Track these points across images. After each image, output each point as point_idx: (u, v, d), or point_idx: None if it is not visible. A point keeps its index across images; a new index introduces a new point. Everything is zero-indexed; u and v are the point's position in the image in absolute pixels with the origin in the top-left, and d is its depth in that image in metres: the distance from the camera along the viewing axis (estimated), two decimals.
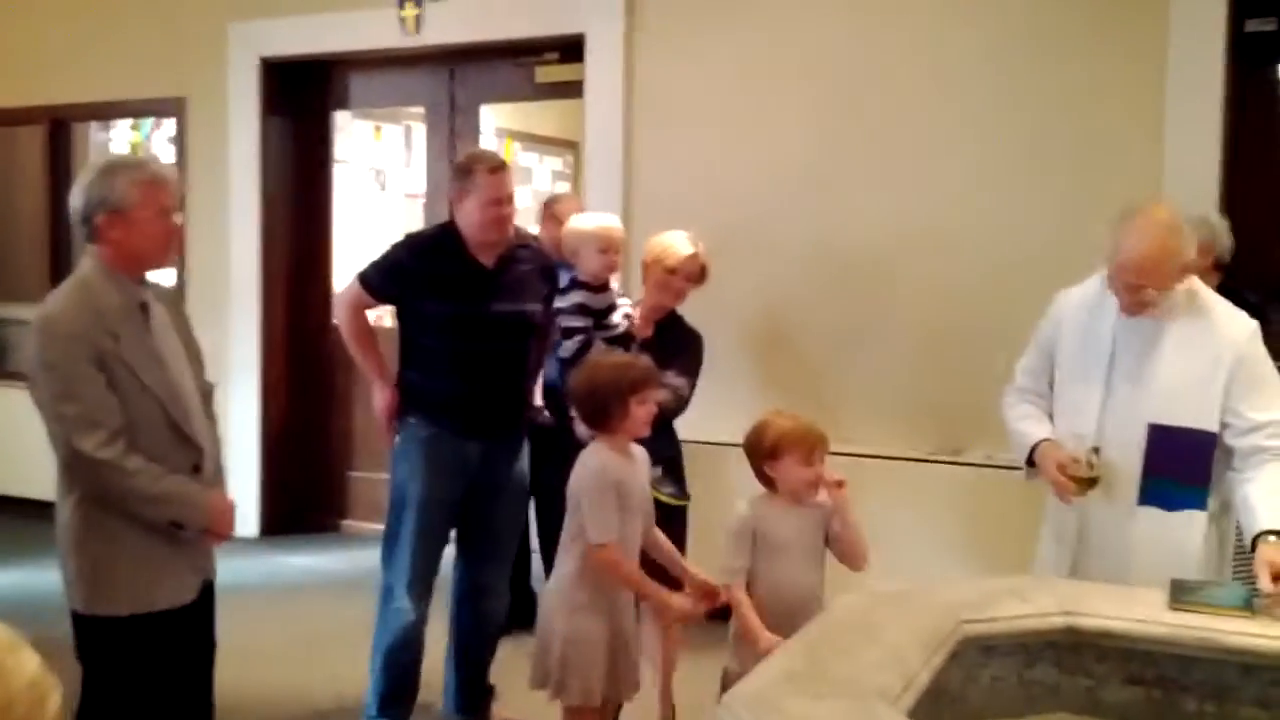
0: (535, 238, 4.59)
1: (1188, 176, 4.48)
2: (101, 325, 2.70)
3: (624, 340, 3.93)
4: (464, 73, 6.30)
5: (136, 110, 7.14)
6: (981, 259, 4.82)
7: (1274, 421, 2.81)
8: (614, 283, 4.03)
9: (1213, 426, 2.85)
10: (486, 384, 3.73)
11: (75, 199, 2.80)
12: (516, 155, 8.51)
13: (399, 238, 3.93)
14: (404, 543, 3.73)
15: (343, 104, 6.79)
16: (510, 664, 4.03)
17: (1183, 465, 2.86)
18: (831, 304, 5.09)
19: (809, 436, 2.92)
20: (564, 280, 4.20)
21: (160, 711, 2.86)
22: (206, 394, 3.02)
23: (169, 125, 7.06)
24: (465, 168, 3.73)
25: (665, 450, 3.80)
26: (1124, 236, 2.87)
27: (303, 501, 6.68)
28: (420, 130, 7.13)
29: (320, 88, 6.70)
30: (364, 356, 3.89)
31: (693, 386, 3.88)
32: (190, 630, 2.92)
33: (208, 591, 2.99)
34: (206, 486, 2.90)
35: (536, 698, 3.16)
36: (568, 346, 3.95)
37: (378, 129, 7.56)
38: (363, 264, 3.87)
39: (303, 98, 6.68)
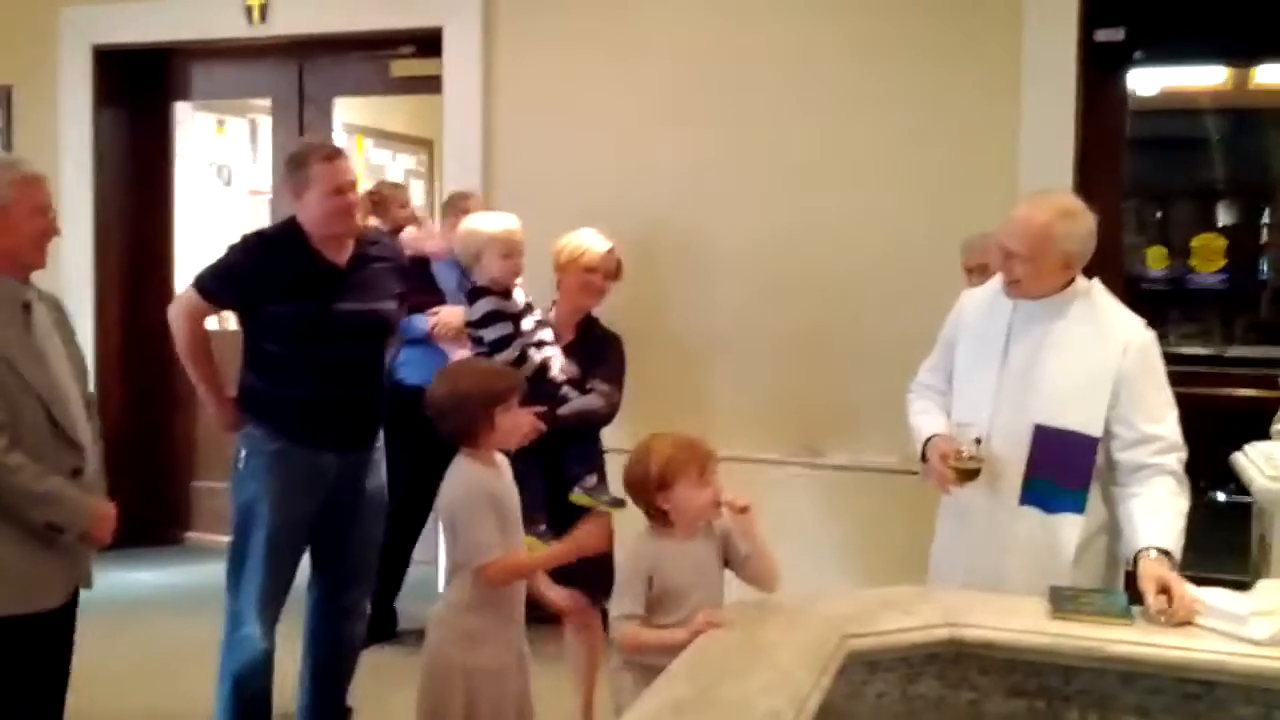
0: (385, 232, 4.41)
1: (1043, 178, 4.54)
2: None
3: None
4: (314, 65, 6.03)
5: None
6: (842, 258, 4.79)
7: (1161, 437, 2.78)
8: (519, 289, 3.72)
9: (1096, 432, 2.81)
10: (338, 390, 3.50)
11: None
12: (369, 152, 8.26)
13: (237, 239, 3.62)
14: (252, 567, 3.49)
15: (183, 95, 6.44)
16: (368, 681, 3.89)
17: (1064, 468, 2.82)
18: (696, 302, 5.02)
19: (697, 453, 2.66)
20: (450, 281, 4.00)
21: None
22: (89, 402, 3.01)
23: None
24: (299, 160, 3.51)
25: (597, 458, 3.64)
26: (1022, 200, 2.91)
27: (143, 513, 6.26)
28: (267, 124, 6.85)
29: (158, 78, 6.34)
30: (196, 368, 3.57)
31: (621, 391, 3.68)
32: (55, 636, 2.90)
33: (73, 599, 2.96)
34: (87, 491, 2.89)
35: (396, 716, 3.00)
36: (501, 360, 3.55)
37: (220, 123, 7.23)
38: (201, 267, 3.60)
39: (140, 88, 6.31)
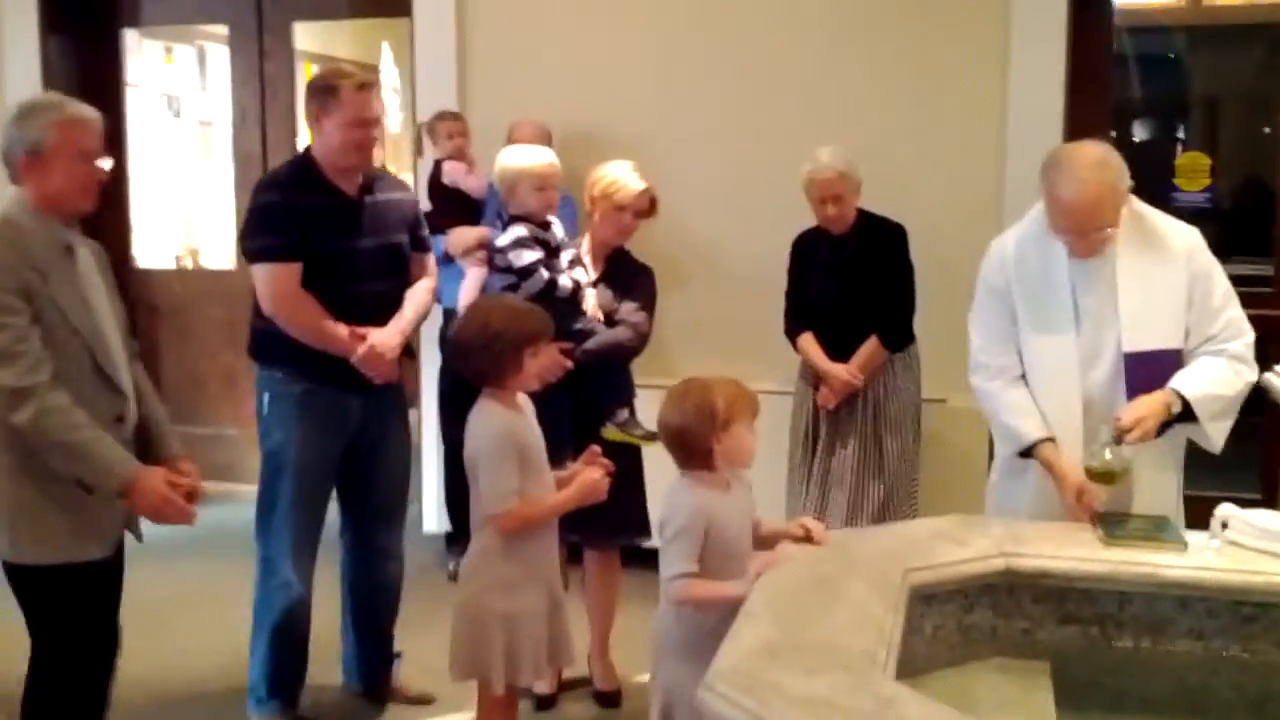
0: (389, 172, 4.30)
1: (1033, 112, 4.56)
2: (28, 261, 2.65)
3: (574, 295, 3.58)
4: None
5: None
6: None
7: (1228, 324, 2.84)
8: (556, 223, 3.66)
9: (1178, 343, 2.83)
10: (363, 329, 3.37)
11: (2, 141, 2.77)
12: None
13: (254, 189, 3.41)
14: (282, 511, 3.39)
15: (134, 21, 6.15)
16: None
17: (1159, 387, 2.79)
18: (667, 233, 4.92)
19: (754, 397, 2.64)
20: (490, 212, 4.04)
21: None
22: (133, 353, 2.97)
23: None
24: (327, 84, 3.31)
25: (628, 391, 3.57)
26: (1059, 185, 2.76)
27: None
28: (216, 51, 6.60)
29: (107, 3, 6.06)
30: (328, 334, 3.29)
31: (650, 322, 3.61)
32: (101, 587, 2.84)
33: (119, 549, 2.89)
34: (127, 441, 2.80)
35: (441, 662, 2.95)
36: (527, 288, 3.50)
37: (169, 50, 6.94)
38: (245, 242, 3.37)
39: (88, 14, 6.01)
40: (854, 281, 4.08)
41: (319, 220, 3.30)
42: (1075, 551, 2.48)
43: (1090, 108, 4.68)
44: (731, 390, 2.60)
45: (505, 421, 2.83)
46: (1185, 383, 2.77)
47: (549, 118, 4.81)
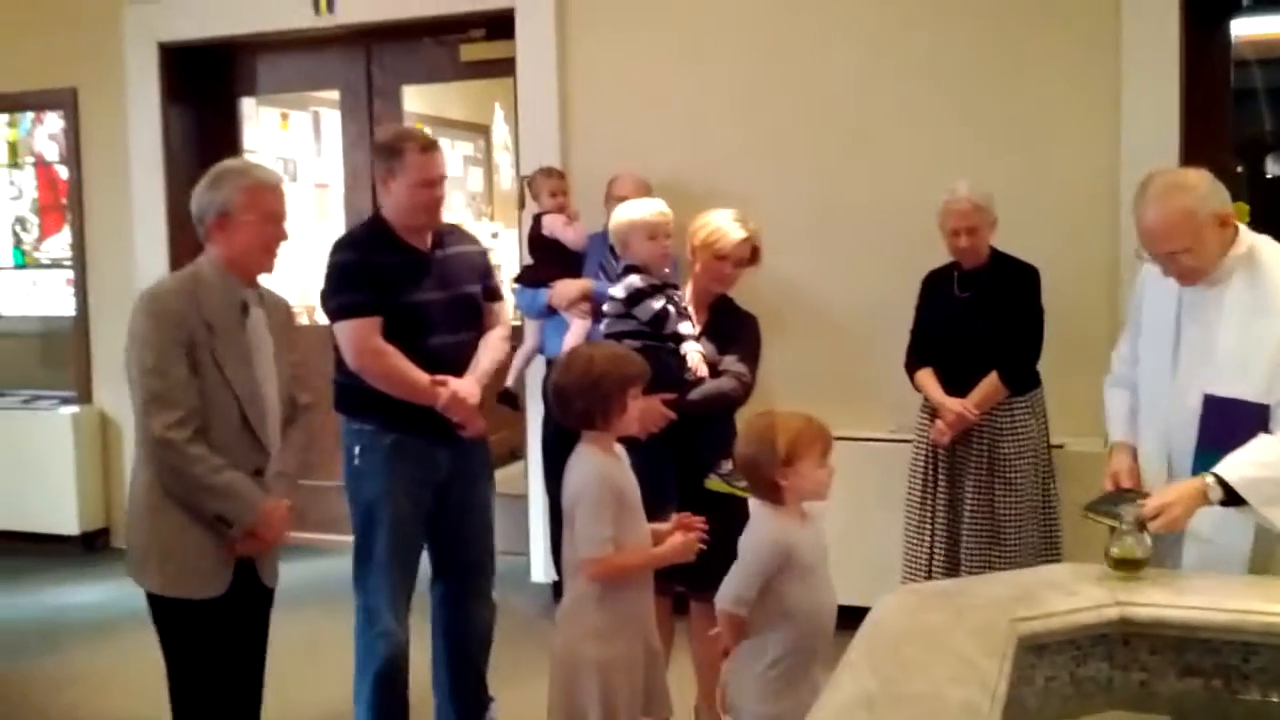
0: (460, 227, 4.39)
1: (1147, 149, 4.42)
2: (199, 314, 2.84)
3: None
4: (382, 53, 5.98)
5: (22, 104, 6.62)
6: (929, 232, 4.66)
7: None
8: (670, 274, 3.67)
9: (1264, 399, 2.69)
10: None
11: (192, 204, 2.97)
12: None
13: (330, 250, 3.50)
14: (379, 561, 3.45)
15: (250, 90, 6.40)
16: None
17: (1235, 438, 2.67)
18: (769, 279, 4.89)
19: (822, 433, 2.68)
20: (592, 265, 4.19)
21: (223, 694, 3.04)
22: (300, 406, 3.16)
23: (51, 120, 6.62)
24: (392, 147, 3.41)
25: (732, 441, 3.54)
26: (1136, 207, 2.77)
27: None
28: (330, 116, 6.80)
29: (225, 73, 6.32)
30: (411, 384, 3.36)
31: (755, 373, 3.57)
32: (216, 623, 2.96)
33: (258, 589, 3.05)
34: (265, 491, 2.95)
35: (541, 710, 2.94)
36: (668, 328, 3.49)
37: (285, 116, 7.18)
38: (327, 301, 3.44)
39: (206, 84, 6.28)
40: (980, 318, 4.01)
41: (393, 276, 3.38)
42: (1194, 600, 2.37)
43: (1208, 142, 4.55)
44: (797, 426, 2.64)
45: (604, 467, 2.84)
46: (1228, 466, 2.61)
47: (648, 170, 4.84)
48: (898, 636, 2.19)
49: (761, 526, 2.67)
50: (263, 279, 3.08)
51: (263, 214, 2.94)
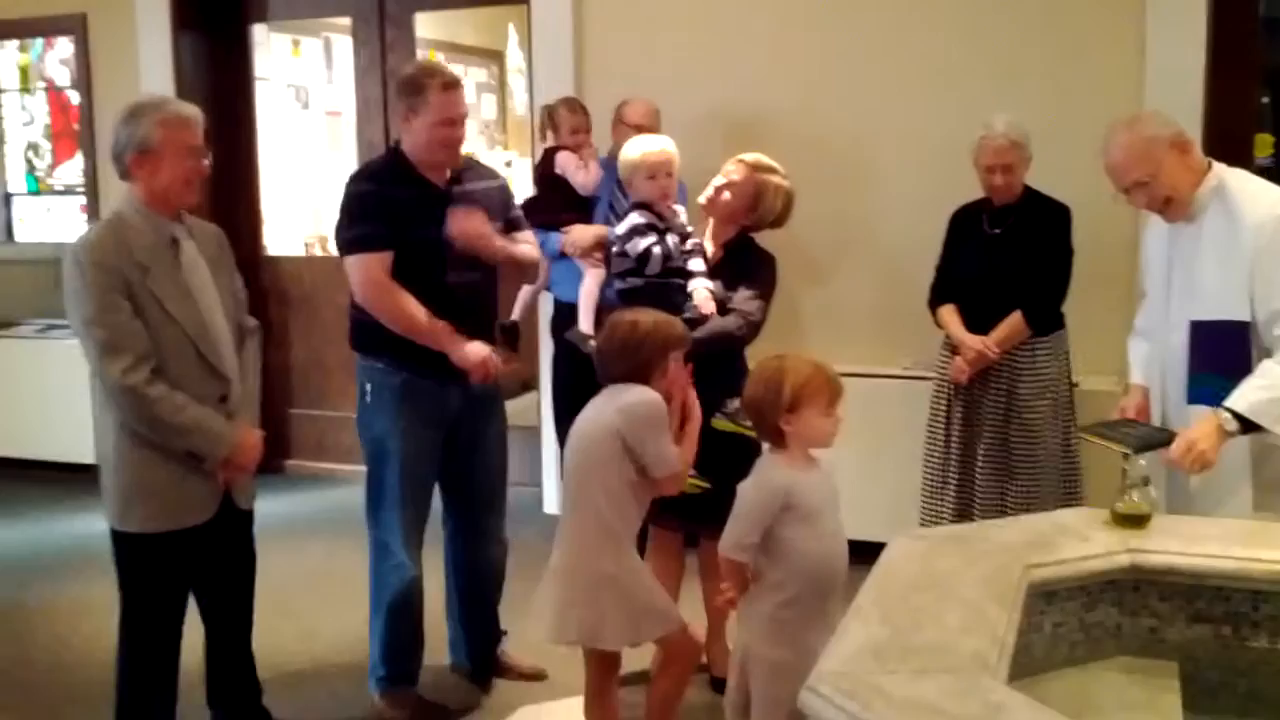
0: (479, 162, 4.35)
1: (1172, 74, 4.38)
2: (130, 258, 2.83)
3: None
4: None
5: (31, 29, 6.56)
6: (955, 167, 4.61)
7: None
8: (681, 211, 3.65)
9: (1244, 315, 2.84)
10: (458, 319, 3.41)
11: (111, 141, 2.93)
12: None
13: (347, 181, 3.48)
14: (391, 498, 3.47)
15: (261, 16, 6.32)
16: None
17: (1223, 358, 2.85)
18: (795, 217, 4.87)
19: (831, 383, 2.67)
20: (602, 204, 4.21)
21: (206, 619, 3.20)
22: (248, 330, 3.15)
23: (62, 45, 6.56)
24: (415, 83, 3.36)
25: (740, 381, 3.51)
26: (1104, 154, 2.99)
27: None
28: (341, 43, 6.71)
29: (235, 0, 6.22)
30: (423, 327, 3.35)
31: (764, 311, 3.53)
32: (205, 547, 3.05)
33: (234, 512, 3.11)
34: (230, 417, 3.00)
35: (544, 641, 3.02)
36: (649, 272, 3.50)
37: (296, 43, 7.09)
38: (340, 234, 3.42)
39: (217, 10, 6.20)
40: (1007, 256, 3.96)
41: (409, 210, 3.35)
42: (1205, 548, 2.36)
43: (1234, 75, 4.48)
44: (805, 372, 2.64)
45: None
46: (1235, 398, 2.74)
47: (666, 101, 4.75)
48: (907, 583, 2.19)
49: (761, 471, 2.68)
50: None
51: (184, 147, 2.92)
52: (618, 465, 2.87)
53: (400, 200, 3.35)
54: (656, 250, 3.46)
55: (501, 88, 8.90)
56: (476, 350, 3.39)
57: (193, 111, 2.99)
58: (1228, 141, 4.42)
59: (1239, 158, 4.45)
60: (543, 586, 3.00)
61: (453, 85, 3.36)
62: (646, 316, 2.97)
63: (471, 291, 3.49)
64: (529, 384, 5.90)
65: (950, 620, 1.99)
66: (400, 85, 3.43)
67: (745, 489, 2.68)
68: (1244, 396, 2.74)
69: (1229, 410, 2.75)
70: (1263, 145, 6.80)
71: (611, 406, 2.89)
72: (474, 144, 8.20)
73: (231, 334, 3.07)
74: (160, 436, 2.89)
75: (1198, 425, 2.75)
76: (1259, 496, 2.87)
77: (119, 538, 3.01)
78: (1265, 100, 7.32)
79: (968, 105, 4.54)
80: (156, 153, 2.89)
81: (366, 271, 3.34)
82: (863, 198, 4.90)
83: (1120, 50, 4.48)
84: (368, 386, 3.49)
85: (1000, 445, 3.98)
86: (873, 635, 1.94)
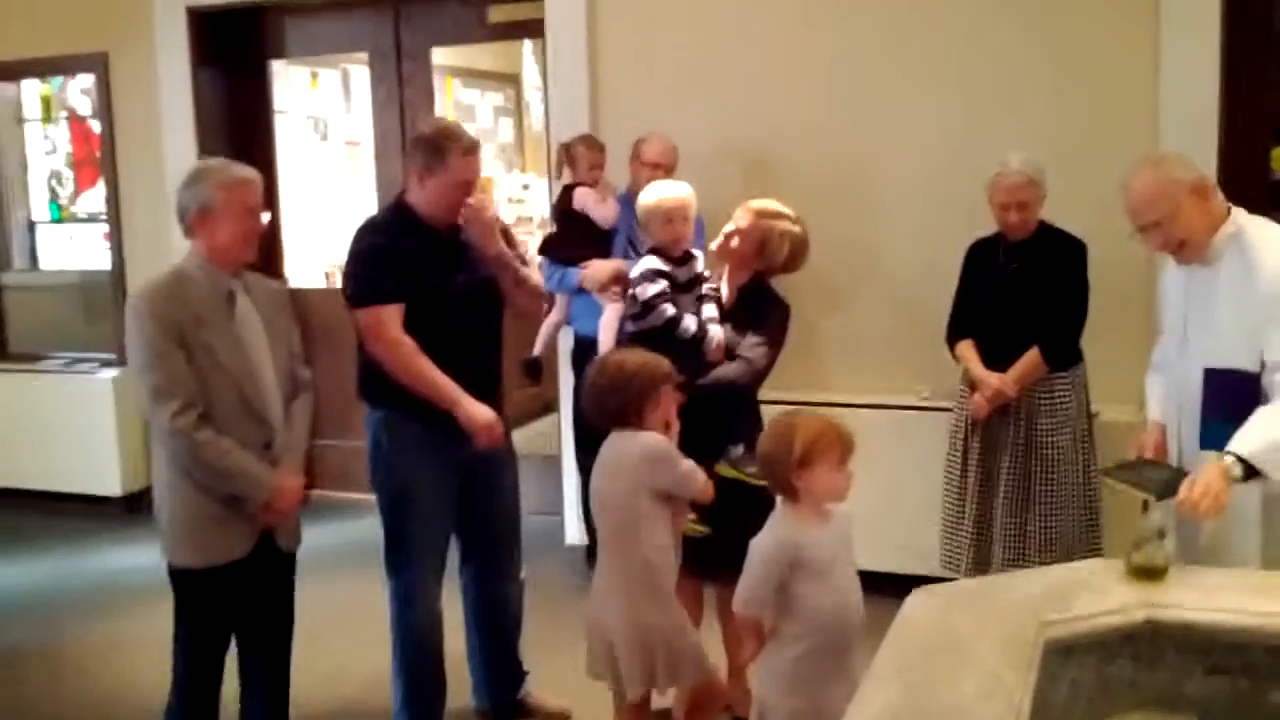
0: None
1: (1186, 107, 4.39)
2: (187, 309, 3.02)
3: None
4: (410, 14, 5.95)
5: (53, 68, 6.67)
6: (969, 199, 4.60)
7: None
8: (699, 255, 3.68)
9: (1256, 366, 2.85)
10: (465, 366, 3.44)
11: (175, 203, 3.13)
12: (457, 92, 8.19)
13: (355, 235, 3.52)
14: (411, 548, 3.53)
15: (279, 53, 6.40)
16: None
17: (1234, 407, 2.83)
18: (813, 247, 4.91)
19: (843, 439, 2.70)
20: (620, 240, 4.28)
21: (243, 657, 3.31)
22: (301, 383, 3.33)
23: (83, 76, 6.65)
24: (436, 146, 3.39)
25: (748, 427, 3.48)
26: (1123, 193, 3.01)
27: None
28: (359, 73, 6.78)
29: (253, 36, 6.31)
30: (431, 381, 3.37)
31: (770, 358, 3.55)
32: (255, 584, 3.20)
33: (277, 554, 3.25)
34: (274, 464, 3.15)
35: (568, 678, 3.10)
36: (650, 321, 3.54)
37: (314, 75, 7.17)
38: (349, 287, 3.44)
39: (235, 48, 6.28)
40: (1023, 292, 3.97)
41: (417, 261, 3.40)
42: (1222, 601, 2.38)
43: (1248, 108, 4.47)
44: (815, 429, 2.67)
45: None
46: (1239, 442, 2.72)
47: (680, 136, 4.79)
48: (925, 643, 2.22)
49: (772, 528, 2.73)
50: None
51: (240, 208, 3.09)
52: (657, 516, 2.97)
53: (409, 251, 3.40)
54: (668, 310, 3.49)
55: (519, 110, 8.96)
56: (484, 414, 3.42)
57: (250, 174, 3.18)
58: (1244, 156, 4.47)
59: (1255, 172, 4.53)
60: (592, 643, 3.10)
61: (473, 150, 3.41)
62: (634, 355, 3.06)
63: (478, 338, 3.54)
64: (550, 405, 5.95)
65: (967, 686, 2.01)
66: (419, 143, 3.46)
67: (756, 545, 2.72)
68: (1247, 441, 2.73)
69: (1234, 455, 2.73)
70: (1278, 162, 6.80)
71: (628, 464, 2.96)
72: (491, 167, 8.26)
73: (282, 385, 3.23)
74: (205, 478, 3.05)
75: (1204, 471, 2.73)
76: (1269, 550, 2.87)
77: (172, 572, 3.18)
78: None
79: (984, 134, 4.60)
80: (216, 213, 3.07)
81: (377, 324, 3.39)
82: (879, 227, 4.92)
83: (1135, 68, 4.48)
84: (383, 435, 3.53)
85: (1020, 480, 3.98)
86: (890, 701, 1.96)
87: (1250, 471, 2.71)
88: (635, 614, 2.99)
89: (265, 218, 3.16)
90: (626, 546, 2.99)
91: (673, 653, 3.00)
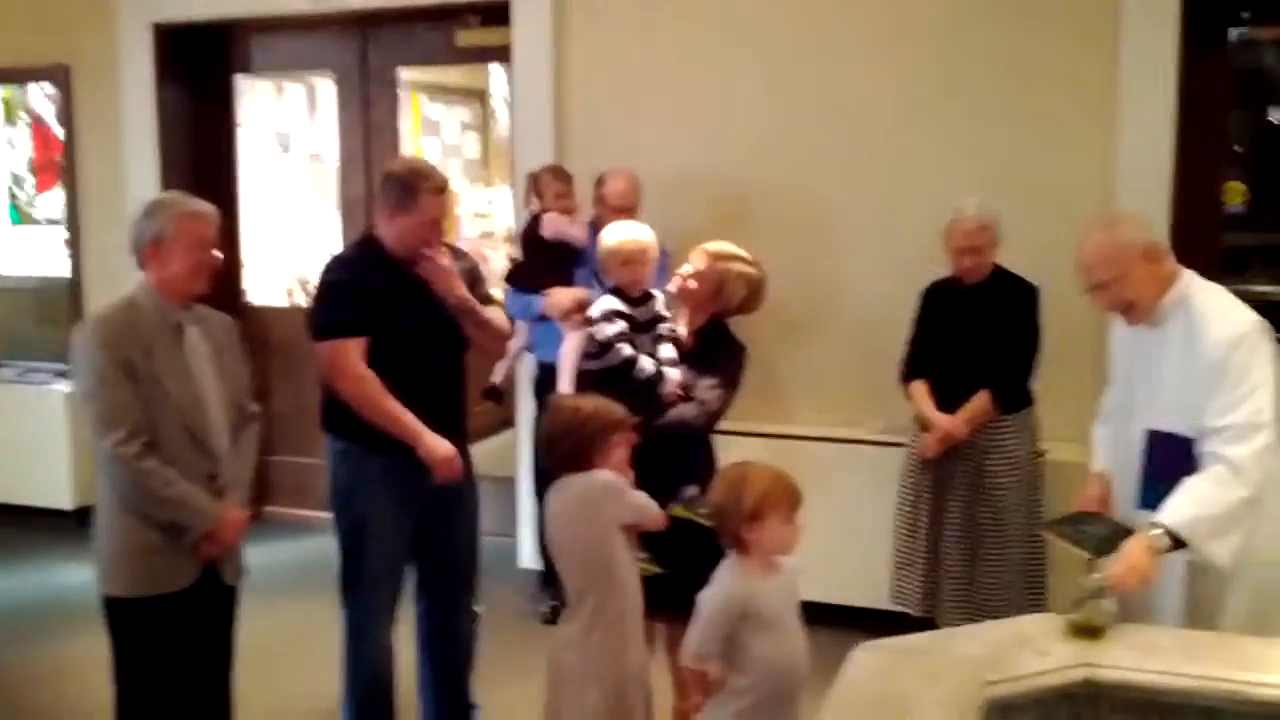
0: (452, 245, 4.40)
1: (1142, 155, 4.46)
2: (137, 339, 3.03)
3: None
4: (377, 36, 5.94)
5: (12, 77, 6.59)
6: (926, 237, 4.62)
7: (1228, 427, 2.78)
8: (659, 295, 3.67)
9: (1195, 432, 2.86)
10: (429, 404, 3.46)
11: (132, 234, 3.13)
12: (424, 107, 8.17)
13: (323, 269, 3.54)
14: (368, 581, 3.53)
15: (244, 68, 6.37)
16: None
17: (1174, 471, 2.85)
18: (776, 281, 4.92)
19: (791, 493, 2.72)
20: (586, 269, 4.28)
21: (183, 690, 3.22)
22: (247, 415, 3.32)
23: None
24: (406, 185, 3.41)
25: (702, 469, 3.47)
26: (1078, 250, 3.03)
27: None
28: (325, 86, 6.75)
29: (218, 53, 6.29)
30: (387, 418, 3.38)
31: (726, 400, 3.55)
32: (185, 614, 3.16)
33: (219, 586, 3.24)
34: (219, 495, 3.15)
35: (517, 711, 3.06)
36: (607, 360, 3.53)
37: (279, 89, 7.13)
38: (314, 320, 3.45)
39: (200, 64, 6.25)
40: (977, 335, 4.04)
41: (384, 298, 3.41)
42: (1160, 662, 2.43)
43: (1204, 154, 4.56)
44: (766, 483, 2.69)
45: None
46: (1168, 513, 2.75)
47: (645, 167, 4.81)
48: (868, 704, 2.26)
49: (721, 580, 2.73)
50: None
51: (193, 240, 3.11)
52: (626, 554, 2.98)
53: (375, 288, 3.41)
54: (624, 350, 3.50)
55: (484, 126, 8.95)
56: (444, 448, 3.42)
57: (206, 208, 3.19)
58: (1197, 190, 4.55)
59: (1208, 206, 4.62)
60: (566, 693, 3.01)
61: (443, 189, 3.45)
62: (588, 402, 3.06)
63: (444, 376, 3.56)
64: (509, 420, 5.95)
65: None
66: (390, 181, 3.47)
67: (705, 598, 2.72)
68: (1175, 512, 2.75)
69: (1163, 527, 2.74)
70: (1234, 193, 6.93)
71: (590, 506, 2.95)
72: (458, 182, 8.26)
73: (229, 417, 3.23)
74: (148, 507, 3.05)
75: (1132, 546, 2.73)
76: (1188, 621, 2.88)
77: (108, 602, 3.15)
78: (1238, 149, 7.45)
79: (942, 175, 4.66)
80: (168, 245, 3.08)
81: (340, 358, 3.39)
82: (838, 261, 4.96)
83: (1093, 111, 4.55)
84: (344, 469, 3.53)
85: (968, 521, 4.04)
86: None
87: (1178, 542, 2.73)
88: (614, 661, 2.96)
89: (218, 254, 3.17)
90: (600, 591, 2.96)
91: (647, 695, 3.02)
